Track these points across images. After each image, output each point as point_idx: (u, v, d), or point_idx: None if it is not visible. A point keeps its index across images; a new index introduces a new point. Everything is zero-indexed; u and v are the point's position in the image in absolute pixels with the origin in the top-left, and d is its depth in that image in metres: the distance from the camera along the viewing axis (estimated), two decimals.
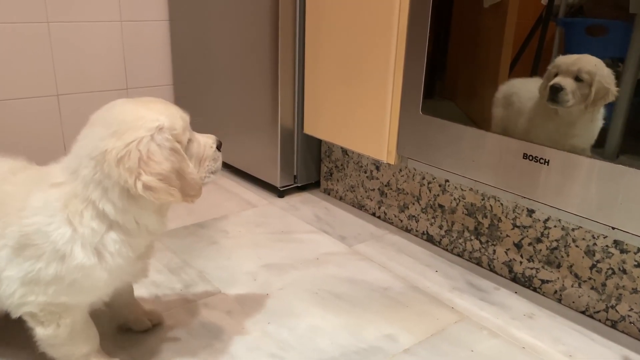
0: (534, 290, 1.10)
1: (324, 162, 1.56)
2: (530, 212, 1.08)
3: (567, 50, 0.93)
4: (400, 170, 1.33)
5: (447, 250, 1.26)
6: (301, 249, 1.24)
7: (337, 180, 1.53)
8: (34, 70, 1.59)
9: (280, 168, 1.50)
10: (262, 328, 0.95)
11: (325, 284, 1.10)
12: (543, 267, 1.08)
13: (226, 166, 1.69)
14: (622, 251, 0.95)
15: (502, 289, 1.11)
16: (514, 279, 1.14)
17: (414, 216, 1.33)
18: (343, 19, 1.26)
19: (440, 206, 1.25)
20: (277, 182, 1.52)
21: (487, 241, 1.17)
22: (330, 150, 1.53)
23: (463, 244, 1.22)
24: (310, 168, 1.58)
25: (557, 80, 0.92)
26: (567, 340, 0.95)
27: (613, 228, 0.88)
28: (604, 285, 0.99)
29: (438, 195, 1.25)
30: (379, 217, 1.43)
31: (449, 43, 1.10)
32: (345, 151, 1.48)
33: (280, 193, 1.54)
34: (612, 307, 0.99)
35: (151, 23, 1.77)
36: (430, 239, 1.30)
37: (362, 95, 1.26)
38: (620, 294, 0.97)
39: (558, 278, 1.06)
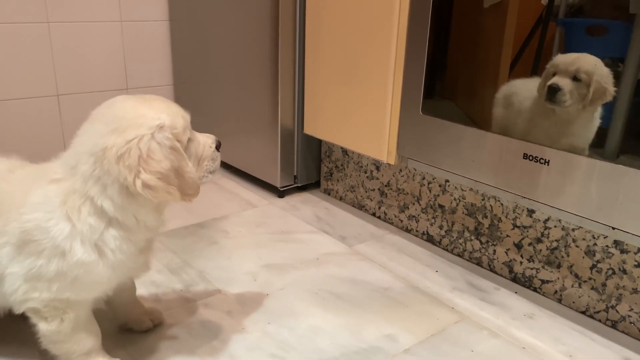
0: (534, 290, 1.10)
1: (324, 162, 1.56)
2: (531, 212, 1.08)
3: (567, 50, 0.93)
4: (401, 170, 1.33)
5: (447, 250, 1.26)
6: (301, 249, 1.24)
7: (337, 180, 1.53)
8: (34, 70, 1.59)
9: (281, 168, 1.50)
10: (262, 328, 0.95)
11: (325, 284, 1.10)
12: (543, 267, 1.08)
13: (226, 166, 1.69)
14: (622, 251, 0.95)
15: (503, 289, 1.11)
16: (514, 279, 1.14)
17: (414, 216, 1.33)
18: (343, 19, 1.26)
19: (441, 206, 1.25)
20: (277, 182, 1.52)
21: (488, 241, 1.17)
22: (331, 151, 1.53)
23: (463, 244, 1.22)
24: (310, 168, 1.58)
25: (555, 80, 0.92)
26: (568, 341, 0.95)
27: (613, 228, 0.88)
28: (604, 285, 0.99)
29: (438, 195, 1.25)
30: (379, 217, 1.43)
31: (449, 43, 1.10)
32: (345, 151, 1.48)
33: (281, 193, 1.54)
34: (613, 307, 0.99)
35: (151, 23, 1.77)
36: (430, 239, 1.30)
37: (362, 95, 1.26)
38: (621, 294, 0.97)
39: (558, 278, 1.06)
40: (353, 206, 1.50)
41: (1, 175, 0.76)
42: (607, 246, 0.97)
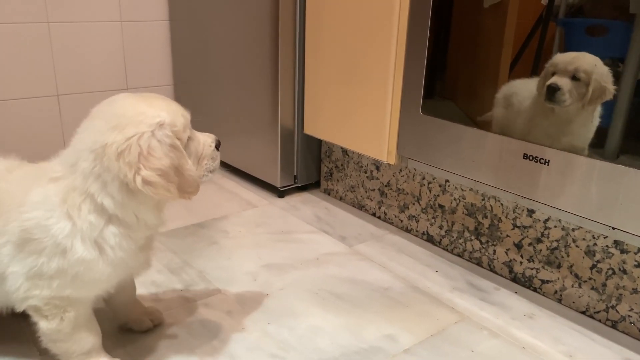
0: (534, 290, 1.10)
1: (324, 162, 1.56)
2: (531, 212, 1.08)
3: (567, 50, 0.93)
4: (401, 170, 1.33)
5: (447, 250, 1.26)
6: (301, 249, 1.24)
7: (337, 180, 1.53)
8: (34, 70, 1.59)
9: (281, 168, 1.50)
10: (262, 328, 0.95)
11: (325, 284, 1.10)
12: (543, 267, 1.08)
13: (226, 166, 1.69)
14: (622, 251, 0.95)
15: (503, 289, 1.11)
16: (514, 279, 1.14)
17: (414, 216, 1.33)
18: (343, 19, 1.26)
19: (441, 206, 1.25)
20: (277, 182, 1.52)
21: (488, 241, 1.17)
22: (331, 151, 1.53)
23: (463, 244, 1.22)
24: (310, 168, 1.58)
25: (554, 80, 0.92)
26: (568, 341, 0.95)
27: (613, 228, 0.88)
28: (604, 285, 0.99)
29: (438, 195, 1.25)
30: (379, 217, 1.43)
31: (449, 43, 1.10)
32: (345, 151, 1.48)
33: (281, 193, 1.54)
34: (613, 307, 0.98)
35: (151, 23, 1.77)
36: (430, 239, 1.30)
37: (362, 95, 1.26)
38: (621, 294, 0.97)
39: (558, 278, 1.06)
40: (353, 206, 1.50)
41: (0, 175, 0.76)
42: (607, 246, 0.97)
